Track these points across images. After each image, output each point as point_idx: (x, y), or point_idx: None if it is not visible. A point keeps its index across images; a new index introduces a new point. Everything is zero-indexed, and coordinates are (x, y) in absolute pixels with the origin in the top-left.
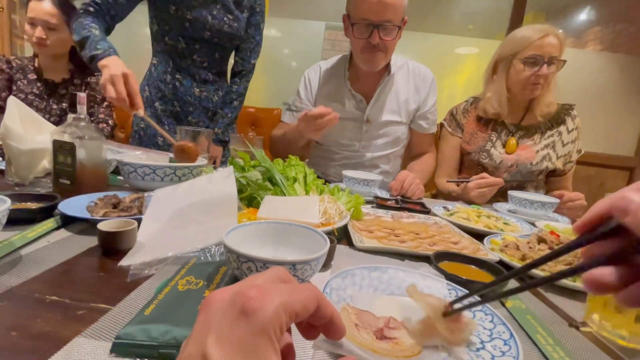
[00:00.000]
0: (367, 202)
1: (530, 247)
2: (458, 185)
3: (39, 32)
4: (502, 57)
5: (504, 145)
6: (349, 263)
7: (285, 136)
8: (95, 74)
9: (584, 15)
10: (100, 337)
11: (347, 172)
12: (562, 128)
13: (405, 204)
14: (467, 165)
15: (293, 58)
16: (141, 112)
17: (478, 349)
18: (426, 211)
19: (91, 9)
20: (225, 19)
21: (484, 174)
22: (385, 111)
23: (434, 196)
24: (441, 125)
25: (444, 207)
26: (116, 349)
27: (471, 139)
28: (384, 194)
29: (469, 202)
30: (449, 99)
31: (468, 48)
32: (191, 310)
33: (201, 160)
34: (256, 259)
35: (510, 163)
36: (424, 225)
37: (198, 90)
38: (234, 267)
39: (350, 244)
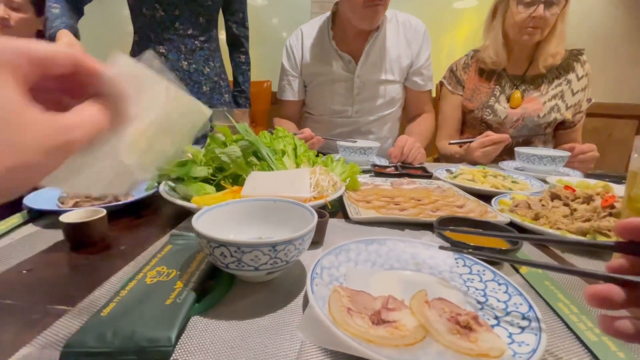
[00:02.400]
0: (365, 172)
1: (543, 205)
2: (461, 147)
3: (0, 11)
4: (498, 1)
5: (508, 100)
6: (343, 238)
7: None
8: None
9: None
10: (51, 346)
11: (342, 142)
12: (571, 75)
13: (405, 170)
14: (470, 124)
15: (281, 27)
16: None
17: (493, 326)
18: (428, 175)
19: None
20: None
21: (488, 132)
22: (376, 70)
23: (436, 160)
24: (440, 84)
25: (447, 170)
26: (65, 359)
27: (473, 96)
28: (383, 162)
29: (474, 163)
30: (449, 57)
31: (466, 1)
32: (157, 307)
33: None
34: (229, 243)
35: (515, 117)
36: (425, 190)
37: (186, 63)
38: (206, 254)
39: (346, 217)
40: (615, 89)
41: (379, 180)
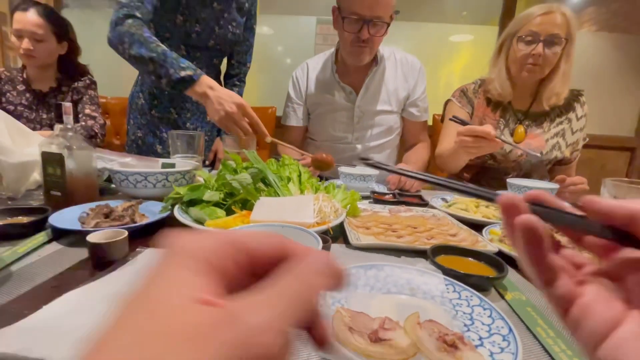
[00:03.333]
0: (365, 198)
1: None
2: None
3: (25, 43)
4: (505, 37)
5: (512, 134)
6: (344, 262)
7: None
8: (82, 79)
9: None
10: None
11: (343, 169)
12: (571, 115)
13: (403, 197)
14: None
15: (286, 55)
16: (268, 138)
17: (477, 346)
18: (424, 204)
19: (138, 14)
20: (229, 27)
21: (487, 125)
22: (375, 101)
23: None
24: (446, 103)
25: (442, 199)
26: None
27: (482, 123)
28: (381, 188)
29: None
30: (446, 88)
31: (463, 35)
32: None
33: (194, 164)
34: None
35: (520, 152)
36: (421, 218)
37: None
38: None
39: (346, 242)
40: (608, 121)
41: (378, 207)
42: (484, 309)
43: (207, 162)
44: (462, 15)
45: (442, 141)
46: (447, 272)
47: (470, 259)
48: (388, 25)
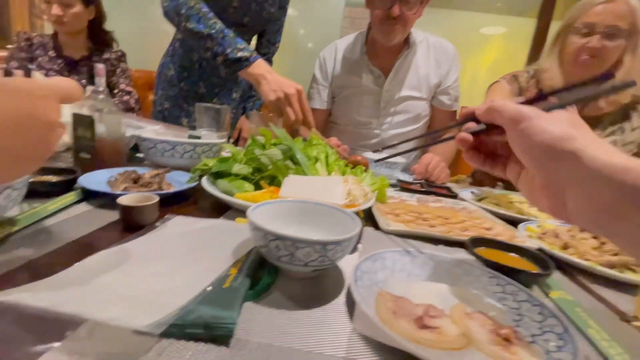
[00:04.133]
0: (391, 186)
1: (571, 236)
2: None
3: (55, 9)
4: (561, 28)
5: None
6: (376, 246)
7: None
8: (113, 50)
9: None
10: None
11: (369, 154)
12: (626, 125)
13: (430, 187)
14: None
15: (310, 39)
16: (314, 129)
17: (530, 343)
18: (453, 195)
19: None
20: (265, 4)
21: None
22: (404, 86)
23: (456, 181)
24: (493, 84)
25: (472, 192)
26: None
27: None
28: (406, 177)
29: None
30: (472, 82)
31: (495, 27)
32: (217, 289)
33: (221, 137)
34: (286, 237)
35: None
36: (452, 210)
37: (225, 70)
38: (260, 245)
39: (375, 227)
40: None
41: (405, 196)
42: (533, 305)
43: (231, 140)
44: (496, 6)
45: None
46: (490, 264)
47: (511, 254)
48: (421, 2)
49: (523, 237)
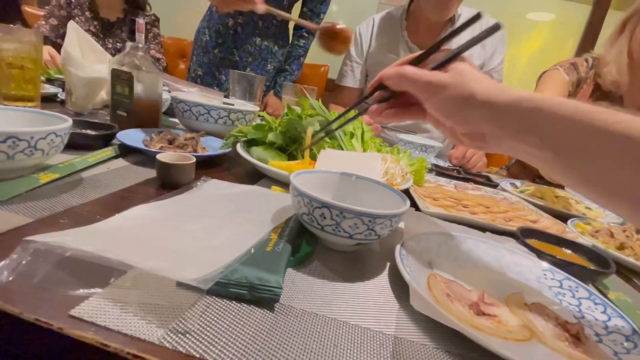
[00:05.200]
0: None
1: (627, 236)
2: None
3: None
4: (633, 12)
5: None
6: (418, 228)
7: None
8: (147, 14)
9: None
10: None
11: (403, 136)
12: None
13: (468, 175)
14: None
15: (343, 12)
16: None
17: (597, 342)
18: (493, 185)
19: None
20: None
21: None
22: None
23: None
24: (548, 72)
25: (512, 184)
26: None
27: None
28: (440, 163)
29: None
30: (511, 72)
31: (543, 13)
32: (260, 252)
33: (254, 106)
34: (333, 206)
35: None
36: (492, 199)
37: (259, 39)
38: (303, 212)
39: (415, 208)
40: None
41: (443, 181)
42: (595, 304)
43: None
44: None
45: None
46: (544, 256)
47: (564, 249)
48: None
49: (575, 232)
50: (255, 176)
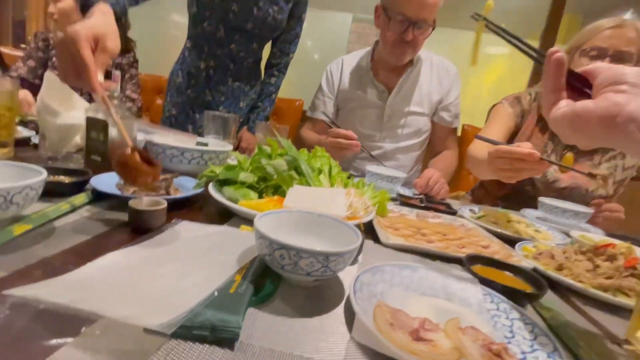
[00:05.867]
0: (391, 200)
1: (566, 257)
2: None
3: (50, 7)
4: (568, 50)
5: (560, 158)
6: (376, 259)
7: (319, 144)
8: (126, 55)
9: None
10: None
11: (371, 167)
12: None
13: (429, 203)
14: None
15: (316, 50)
16: (99, 94)
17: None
18: (452, 212)
19: None
20: (270, 10)
21: (524, 143)
22: (407, 102)
23: (455, 197)
24: (495, 105)
25: (470, 210)
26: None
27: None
28: (406, 192)
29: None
30: (474, 101)
31: (499, 47)
32: (224, 294)
33: (227, 146)
34: (290, 247)
35: (564, 185)
36: (450, 226)
37: (231, 79)
38: (265, 253)
39: (375, 240)
40: None
41: (405, 210)
42: (526, 324)
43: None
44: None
45: (476, 140)
46: (485, 282)
47: (506, 272)
48: (432, 28)
49: (519, 256)
50: (226, 215)
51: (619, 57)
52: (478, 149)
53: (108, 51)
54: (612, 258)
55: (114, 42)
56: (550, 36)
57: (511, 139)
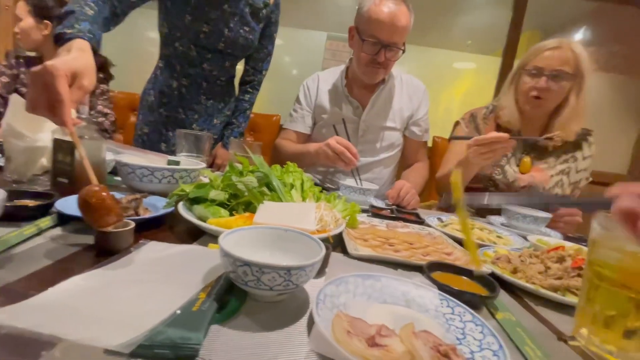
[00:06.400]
0: (363, 211)
1: (521, 261)
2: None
3: (15, 27)
4: (517, 68)
5: (517, 164)
6: (343, 270)
7: (296, 155)
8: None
9: (579, 35)
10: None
11: (344, 181)
12: (577, 154)
13: (400, 213)
14: (477, 178)
15: (293, 66)
16: (69, 129)
17: (468, 359)
18: (420, 221)
19: None
20: (241, 30)
21: (492, 132)
22: (380, 117)
23: (428, 207)
24: (456, 124)
25: (438, 218)
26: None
27: None
28: (379, 203)
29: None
30: (446, 113)
31: (466, 63)
32: (187, 312)
33: (199, 164)
34: (252, 263)
35: (523, 184)
36: (417, 235)
37: (204, 97)
38: (229, 270)
39: (345, 251)
40: (601, 158)
41: (376, 221)
42: (476, 325)
43: (205, 165)
44: (467, 44)
45: (446, 163)
46: (442, 287)
47: (464, 277)
48: (403, 51)
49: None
50: (197, 234)
51: (554, 75)
52: (443, 172)
53: (83, 89)
54: (561, 260)
55: (90, 80)
56: (511, 52)
57: None
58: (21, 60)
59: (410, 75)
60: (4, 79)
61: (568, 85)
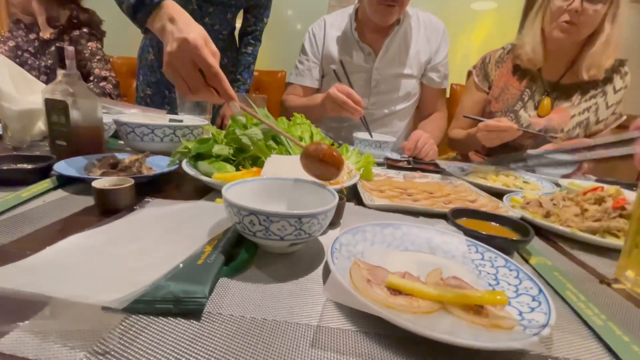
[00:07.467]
0: (378, 165)
1: (554, 204)
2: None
3: None
4: None
5: (536, 107)
6: (359, 222)
7: (303, 108)
8: (84, 29)
9: None
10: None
11: (358, 134)
12: (608, 87)
13: (417, 164)
14: None
15: (297, 19)
16: (234, 103)
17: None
18: (440, 170)
19: None
20: None
21: (502, 119)
22: (394, 64)
23: (446, 159)
24: (469, 74)
25: (460, 168)
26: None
27: (500, 95)
28: (395, 156)
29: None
30: (464, 59)
31: (486, 2)
32: (190, 266)
33: (203, 120)
34: (259, 212)
35: (538, 128)
36: (438, 184)
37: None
38: (235, 222)
39: (360, 203)
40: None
41: (392, 173)
42: (510, 270)
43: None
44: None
45: (458, 118)
46: (469, 233)
47: (492, 223)
48: None
49: (507, 207)
50: (204, 191)
51: None
52: (457, 132)
53: (217, 54)
54: (600, 201)
55: (212, 42)
56: None
57: (492, 98)
58: (22, 25)
59: (428, 14)
60: (11, 43)
61: (604, 10)
